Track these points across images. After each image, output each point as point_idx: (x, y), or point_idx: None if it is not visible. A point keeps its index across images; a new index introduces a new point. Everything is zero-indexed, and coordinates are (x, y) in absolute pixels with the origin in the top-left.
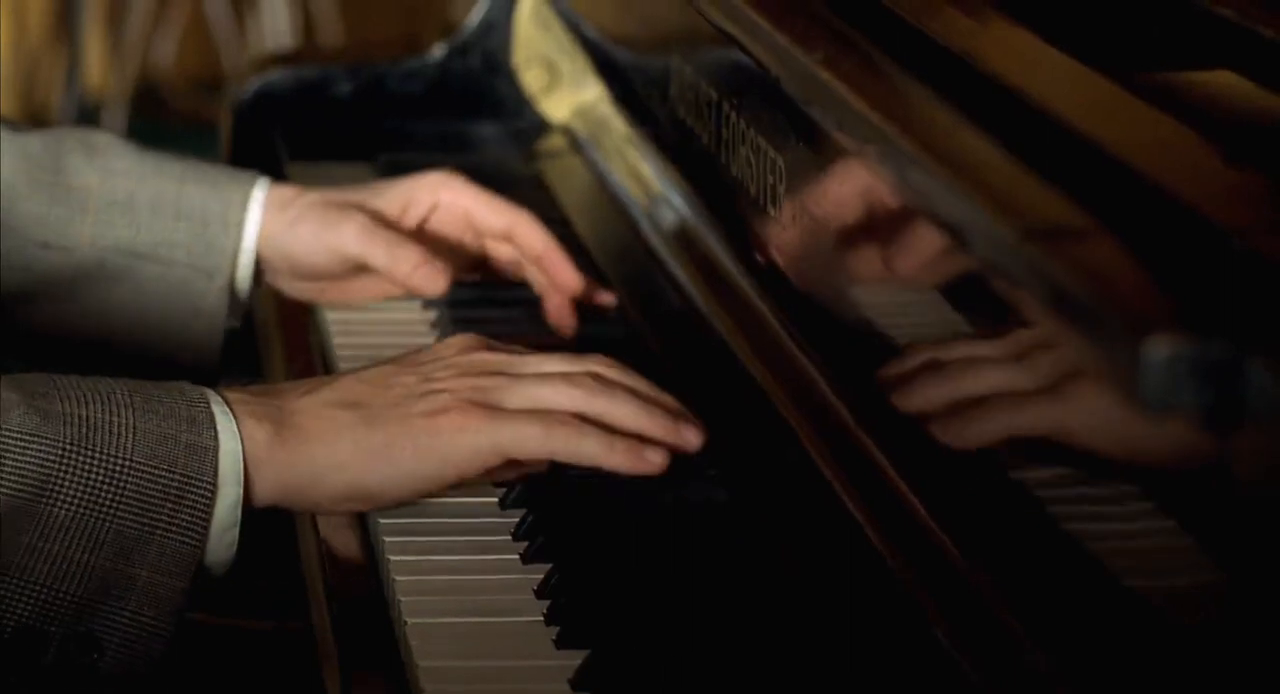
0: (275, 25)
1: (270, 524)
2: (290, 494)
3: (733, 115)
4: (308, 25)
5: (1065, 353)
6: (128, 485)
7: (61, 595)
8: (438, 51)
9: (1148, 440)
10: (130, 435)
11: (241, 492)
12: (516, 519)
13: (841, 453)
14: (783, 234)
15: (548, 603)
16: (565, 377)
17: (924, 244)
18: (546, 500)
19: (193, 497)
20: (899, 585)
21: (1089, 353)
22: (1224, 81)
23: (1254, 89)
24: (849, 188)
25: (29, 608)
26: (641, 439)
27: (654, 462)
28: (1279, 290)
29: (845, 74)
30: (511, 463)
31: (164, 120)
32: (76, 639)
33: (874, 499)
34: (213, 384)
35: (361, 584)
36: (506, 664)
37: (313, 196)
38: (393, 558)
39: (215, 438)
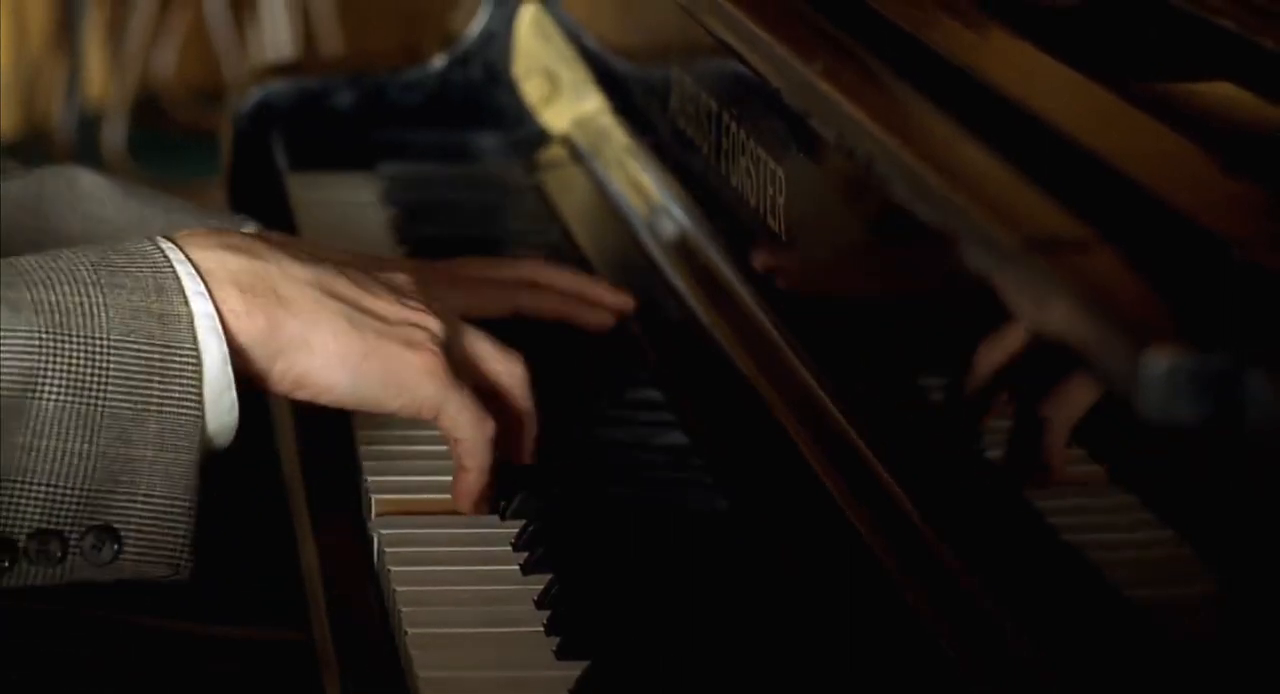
0: (276, 35)
1: (270, 532)
2: (256, 361)
3: (733, 126)
4: (308, 35)
5: (1065, 363)
6: (111, 365)
7: (67, 491)
8: (438, 62)
9: (1147, 450)
10: (103, 313)
11: (226, 350)
12: (517, 529)
13: (841, 463)
14: (782, 245)
15: (548, 613)
16: (516, 371)
17: (923, 255)
18: (547, 511)
19: (178, 365)
20: (900, 595)
21: (1089, 364)
22: (1223, 92)
23: (1253, 100)
24: (848, 199)
25: (37, 510)
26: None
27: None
28: (1278, 301)
29: (845, 85)
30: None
31: (165, 130)
32: (95, 534)
33: (874, 508)
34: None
35: (362, 594)
36: (507, 675)
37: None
38: (393, 568)
39: (186, 303)
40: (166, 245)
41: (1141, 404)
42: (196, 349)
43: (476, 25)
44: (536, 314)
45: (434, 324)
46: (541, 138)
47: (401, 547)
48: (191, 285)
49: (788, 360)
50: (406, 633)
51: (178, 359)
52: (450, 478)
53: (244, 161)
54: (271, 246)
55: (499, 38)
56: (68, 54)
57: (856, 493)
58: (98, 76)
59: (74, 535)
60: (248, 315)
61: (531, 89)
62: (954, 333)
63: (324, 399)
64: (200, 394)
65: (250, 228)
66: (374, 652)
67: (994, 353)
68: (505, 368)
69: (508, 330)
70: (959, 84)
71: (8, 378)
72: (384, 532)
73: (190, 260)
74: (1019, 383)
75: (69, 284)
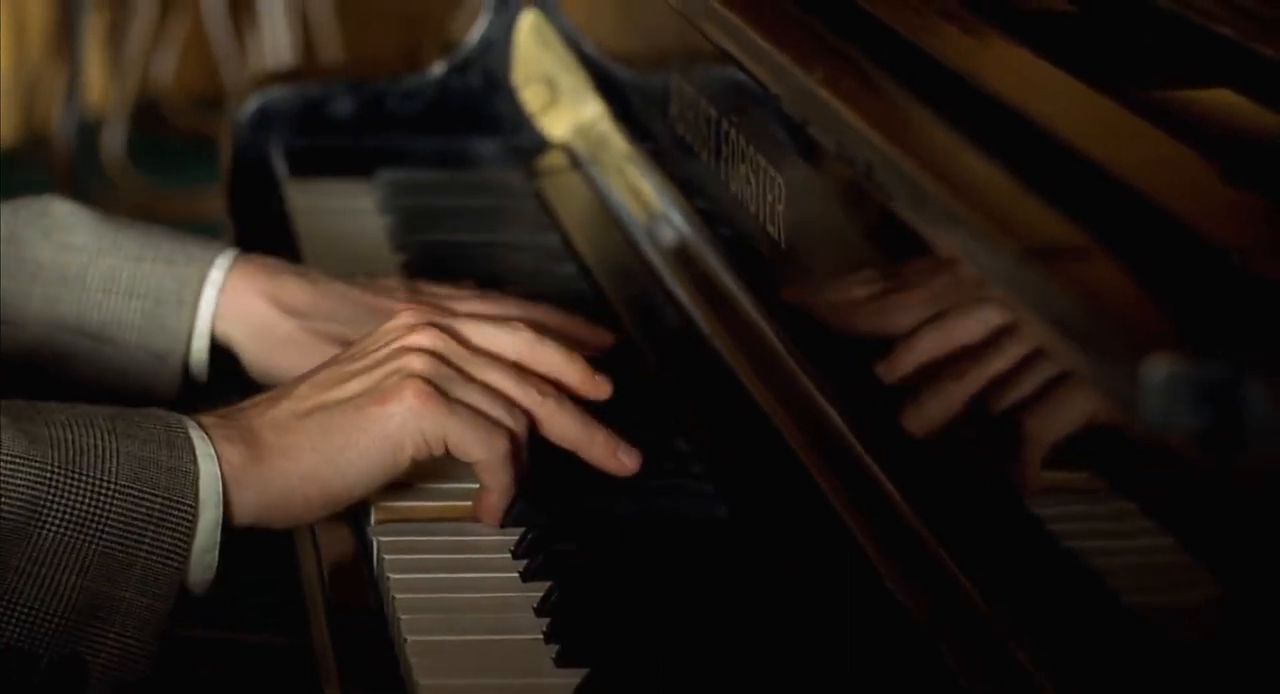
0: (275, 42)
1: (270, 539)
2: (270, 510)
3: (732, 133)
4: (308, 42)
5: (1065, 371)
6: (113, 508)
7: (49, 617)
8: (437, 69)
9: (1147, 458)
10: (114, 459)
11: (220, 514)
12: (516, 537)
13: (842, 471)
14: (782, 252)
15: (547, 621)
16: (516, 379)
17: (923, 262)
18: (546, 519)
19: (174, 520)
20: (900, 604)
21: (1089, 372)
22: (1223, 100)
23: (1252, 107)
24: (848, 206)
25: (17, 630)
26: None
27: (492, 522)
28: (1277, 309)
29: (845, 92)
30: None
31: (164, 137)
32: (64, 661)
33: (875, 517)
34: None
35: (361, 601)
36: (506, 682)
37: (292, 325)
38: (392, 575)
39: (194, 462)
40: (179, 415)
41: (1141, 411)
42: (195, 506)
43: (476, 32)
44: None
45: (415, 362)
46: (541, 145)
47: (401, 554)
48: (202, 447)
49: (787, 367)
50: (406, 640)
51: (176, 513)
52: (450, 484)
53: (243, 168)
54: (257, 402)
55: (498, 45)
56: (67, 60)
57: (855, 500)
58: (97, 83)
59: (45, 660)
60: (245, 469)
61: (531, 96)
62: (954, 340)
63: (356, 499)
64: (188, 549)
65: (229, 256)
66: (373, 659)
67: (994, 360)
68: (517, 390)
69: None
70: (958, 91)
71: (16, 504)
72: (383, 539)
73: (199, 423)
74: (1019, 390)
75: (85, 427)
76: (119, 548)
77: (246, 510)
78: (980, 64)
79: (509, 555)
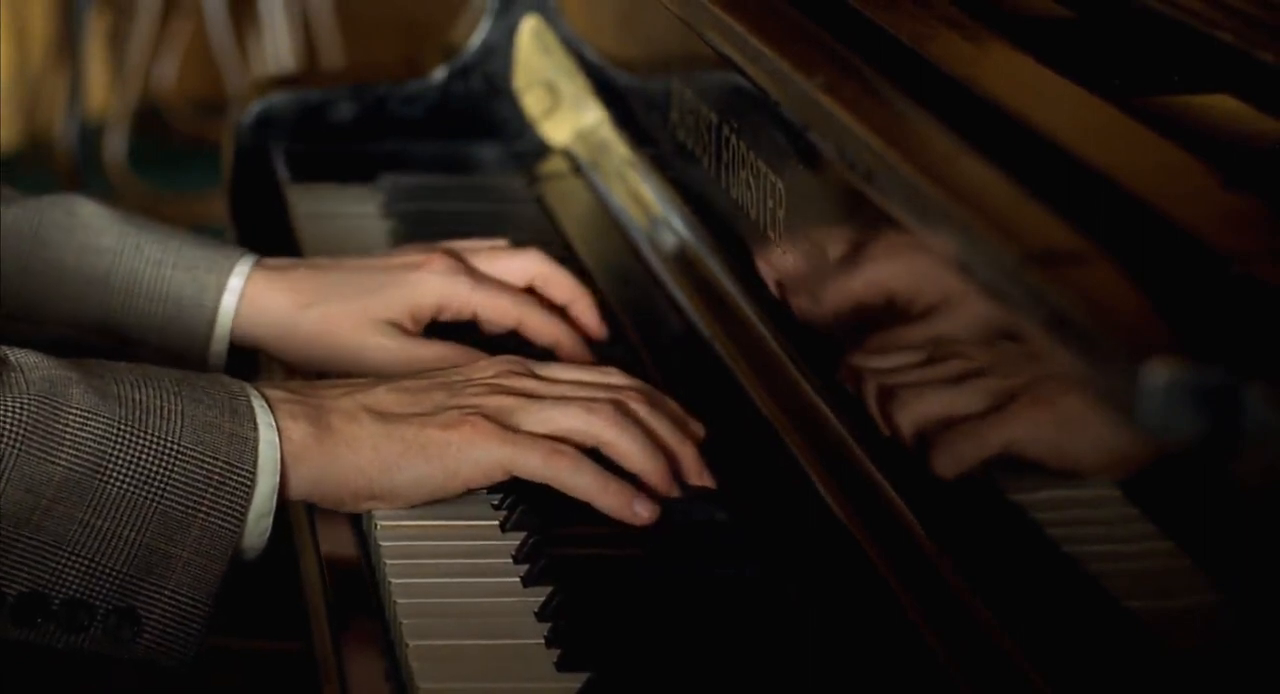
0: (277, 47)
1: (271, 542)
2: (321, 489)
3: (733, 139)
4: (309, 47)
5: (1065, 377)
6: (175, 468)
7: (108, 570)
8: (439, 74)
9: (1148, 463)
10: (179, 420)
11: (277, 482)
12: (517, 542)
13: (843, 476)
14: (783, 257)
15: (549, 626)
16: (584, 404)
17: (923, 268)
18: (547, 524)
19: (233, 484)
20: (899, 604)
21: (1088, 377)
22: (1223, 106)
23: (1253, 113)
24: (848, 211)
25: (77, 580)
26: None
27: (640, 514)
28: (1277, 315)
29: (845, 98)
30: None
31: (166, 141)
32: (119, 614)
33: (876, 524)
34: None
35: (363, 606)
36: (508, 687)
37: (314, 318)
38: (394, 580)
39: (255, 429)
40: (244, 382)
41: (1140, 416)
42: (254, 472)
43: (477, 37)
44: (533, 337)
45: (491, 402)
46: (542, 150)
47: (403, 559)
48: (263, 417)
49: (787, 371)
50: (408, 645)
51: (234, 478)
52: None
53: (245, 173)
54: (335, 385)
55: (500, 50)
56: (69, 65)
57: (855, 505)
58: (99, 88)
59: (102, 611)
60: (304, 445)
61: (532, 101)
62: (954, 345)
63: (400, 503)
64: (245, 513)
65: (248, 262)
66: (375, 664)
67: (994, 365)
68: (579, 422)
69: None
70: (959, 97)
71: (83, 456)
72: (385, 544)
73: (262, 395)
74: (1019, 395)
75: (154, 388)
76: (179, 507)
77: (301, 485)
78: (981, 70)
79: (510, 560)
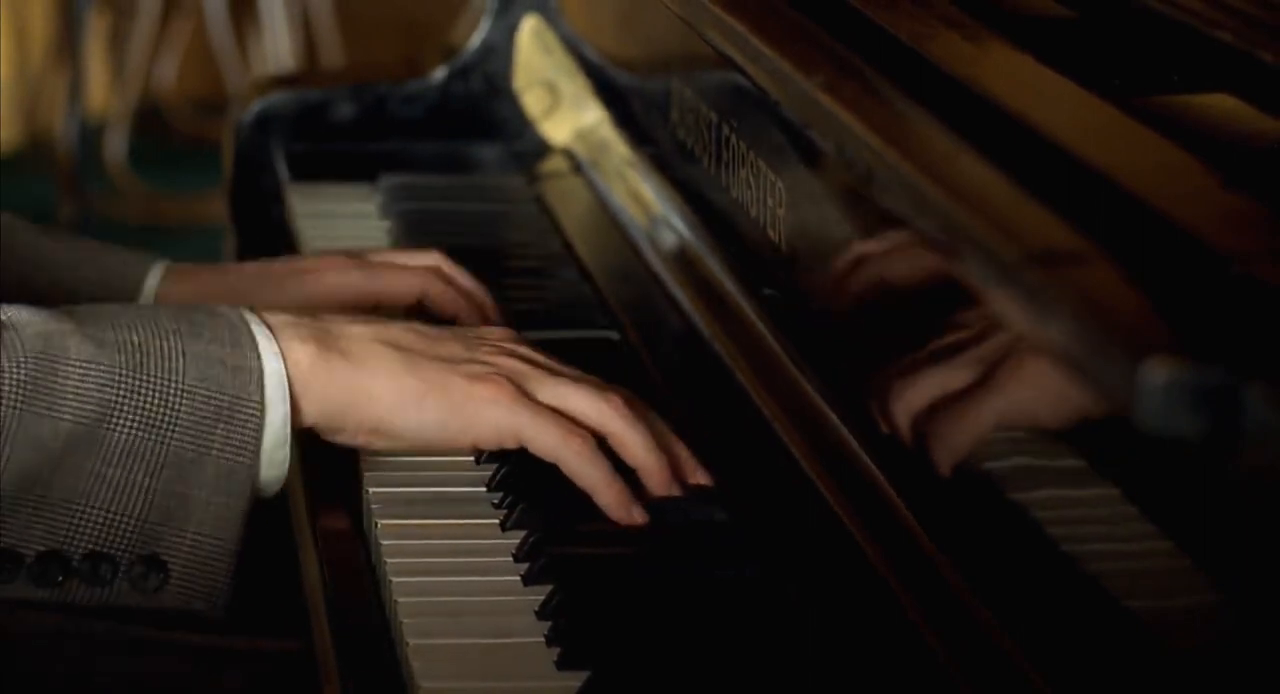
0: (277, 47)
1: (271, 541)
2: (329, 415)
3: (733, 138)
4: (309, 47)
5: (1065, 377)
6: (181, 408)
7: (125, 519)
8: (439, 74)
9: (1147, 463)
10: (180, 359)
11: (288, 409)
12: (517, 541)
13: (843, 475)
14: (783, 256)
15: (549, 624)
16: (598, 387)
17: (923, 267)
18: (547, 523)
19: (243, 417)
20: (901, 611)
21: (1088, 376)
22: (1223, 105)
23: (1253, 113)
24: (848, 211)
25: (95, 533)
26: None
27: (635, 519)
28: (1277, 315)
29: (845, 97)
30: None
31: (166, 141)
32: (144, 563)
33: (876, 523)
34: None
35: (363, 605)
36: (508, 685)
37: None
38: (395, 579)
39: (258, 358)
40: (242, 309)
41: (1140, 416)
42: (262, 402)
43: (477, 37)
44: (438, 309)
45: (507, 363)
46: (542, 149)
47: (403, 557)
48: (265, 344)
49: (788, 371)
50: (408, 644)
51: (243, 410)
52: (450, 488)
53: (245, 172)
54: (345, 315)
55: (500, 50)
56: (69, 65)
57: (855, 504)
58: (99, 88)
59: (124, 562)
60: (313, 369)
61: (532, 101)
62: (954, 345)
63: (399, 445)
64: (259, 445)
65: (160, 268)
66: (375, 662)
67: (994, 365)
68: (591, 406)
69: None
70: (959, 97)
71: (87, 406)
72: (385, 542)
73: (263, 321)
74: (1019, 394)
75: (151, 329)
76: (190, 447)
77: (310, 409)
78: (981, 70)
79: (511, 559)
